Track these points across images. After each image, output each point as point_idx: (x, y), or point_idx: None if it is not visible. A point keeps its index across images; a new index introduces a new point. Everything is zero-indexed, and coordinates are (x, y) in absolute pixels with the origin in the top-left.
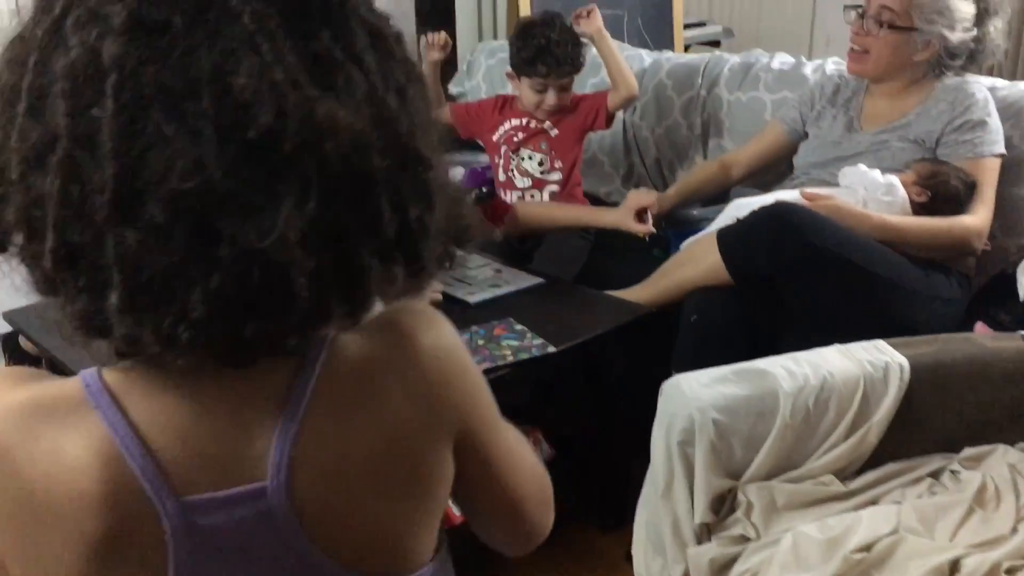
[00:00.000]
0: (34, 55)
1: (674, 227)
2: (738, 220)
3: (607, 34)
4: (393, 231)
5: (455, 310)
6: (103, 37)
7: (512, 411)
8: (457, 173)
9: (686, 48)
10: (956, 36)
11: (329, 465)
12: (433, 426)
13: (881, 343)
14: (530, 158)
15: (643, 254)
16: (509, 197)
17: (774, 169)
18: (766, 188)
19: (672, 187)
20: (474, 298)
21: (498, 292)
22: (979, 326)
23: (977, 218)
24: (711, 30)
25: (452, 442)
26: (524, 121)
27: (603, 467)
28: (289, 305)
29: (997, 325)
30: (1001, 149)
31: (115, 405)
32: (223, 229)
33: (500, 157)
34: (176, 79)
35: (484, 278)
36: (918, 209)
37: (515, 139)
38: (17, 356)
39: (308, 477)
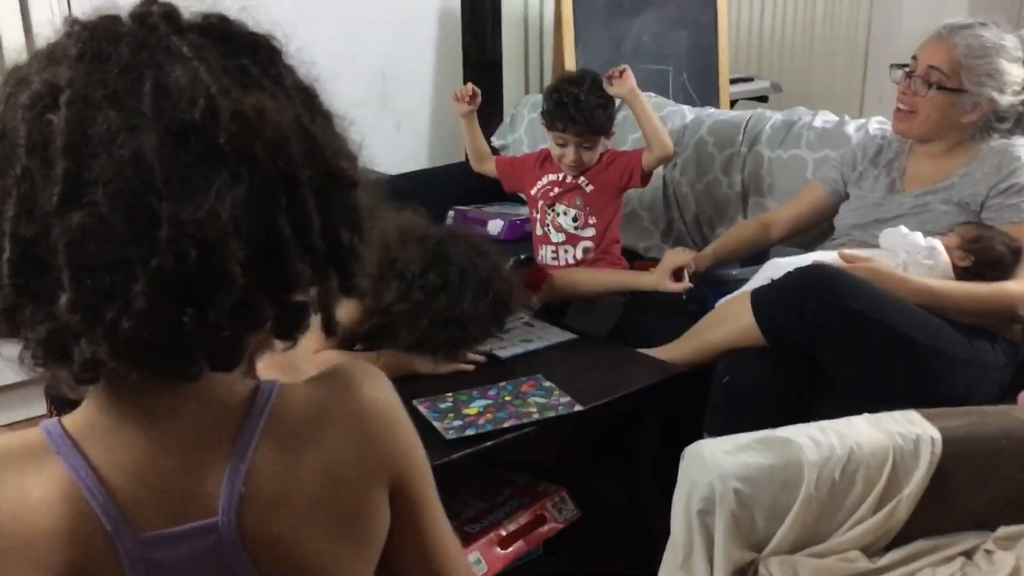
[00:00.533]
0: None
1: (711, 287)
2: (772, 280)
3: (640, 94)
4: (324, 247)
5: (485, 364)
6: (57, 66)
7: (539, 469)
8: (497, 225)
9: (733, 103)
10: (1006, 99)
11: (275, 502)
12: (371, 470)
13: (913, 414)
14: (564, 213)
15: (679, 311)
16: (544, 252)
17: (815, 230)
18: (806, 248)
19: (710, 246)
20: (505, 352)
21: (529, 347)
22: (1022, 397)
23: (1023, 284)
24: (759, 85)
25: (387, 488)
26: (560, 176)
27: (630, 530)
28: (224, 288)
29: None
30: None
31: (75, 449)
32: (162, 212)
33: (537, 211)
34: (120, 88)
35: (516, 332)
36: (961, 274)
37: (551, 193)
38: (58, 403)
39: (256, 513)
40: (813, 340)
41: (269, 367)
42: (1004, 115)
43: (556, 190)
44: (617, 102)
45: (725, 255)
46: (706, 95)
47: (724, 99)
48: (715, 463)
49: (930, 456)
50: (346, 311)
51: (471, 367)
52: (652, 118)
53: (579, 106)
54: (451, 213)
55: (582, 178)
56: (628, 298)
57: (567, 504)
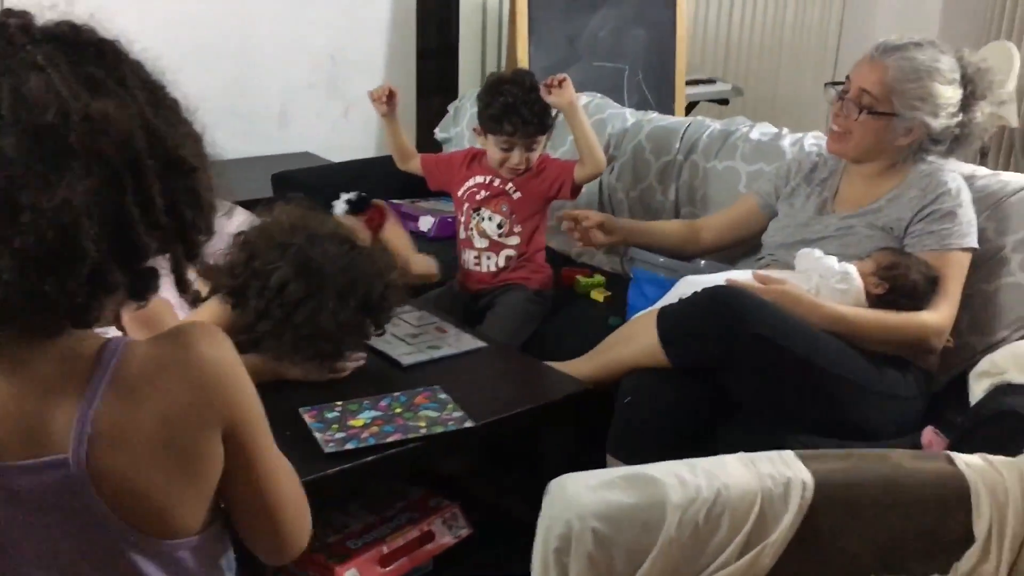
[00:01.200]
0: None
1: (634, 264)
2: (680, 300)
3: (579, 107)
4: (168, 224)
5: (387, 369)
6: None
7: (441, 482)
8: (427, 222)
9: (693, 106)
10: (940, 123)
11: (118, 442)
12: (205, 418)
13: (789, 455)
14: (490, 219)
15: (600, 323)
16: (467, 256)
17: (745, 244)
18: (734, 262)
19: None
20: (408, 359)
21: (435, 355)
22: (928, 431)
23: (937, 315)
24: (719, 88)
25: (220, 432)
26: (488, 179)
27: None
28: (79, 260)
29: (953, 428)
30: (971, 243)
31: None
32: (23, 201)
33: (463, 214)
34: None
35: (425, 337)
36: (875, 301)
37: (477, 197)
38: None
39: (101, 451)
40: (717, 363)
41: (133, 320)
42: (938, 138)
43: (483, 193)
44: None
45: (640, 235)
46: (662, 96)
47: (680, 101)
48: (575, 500)
49: (800, 500)
50: (211, 313)
51: (344, 373)
52: (588, 132)
53: (529, 107)
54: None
55: (510, 184)
56: (550, 308)
57: (459, 521)
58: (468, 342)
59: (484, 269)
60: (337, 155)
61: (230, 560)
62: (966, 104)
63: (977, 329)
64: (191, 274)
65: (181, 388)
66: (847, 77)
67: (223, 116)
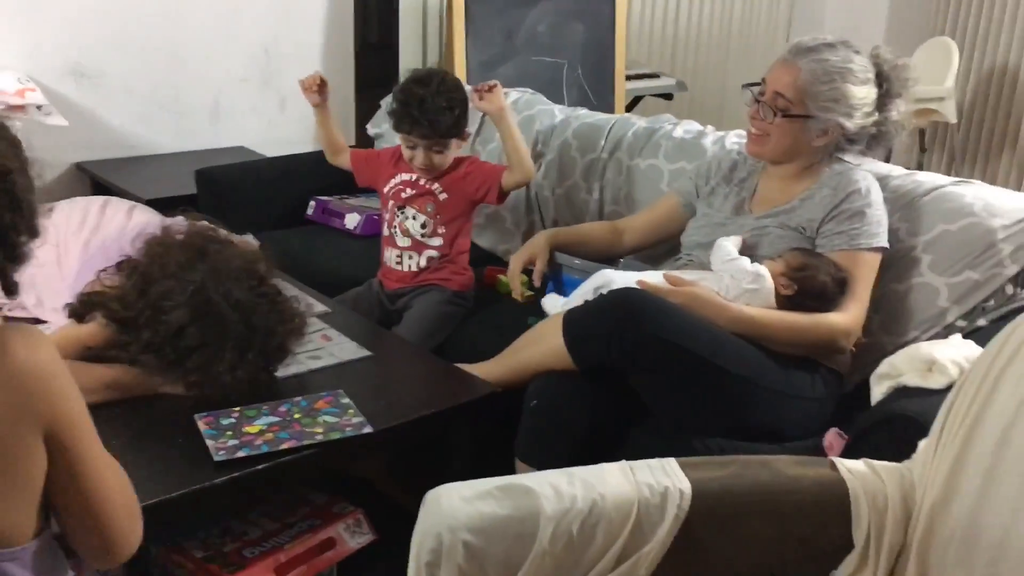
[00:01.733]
0: None
1: (552, 268)
2: (585, 303)
3: (509, 114)
4: None
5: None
6: None
7: (345, 487)
8: (354, 219)
9: (637, 100)
10: (855, 123)
11: None
12: (23, 420)
13: (671, 463)
14: (414, 218)
15: (520, 323)
16: (389, 254)
17: (667, 242)
18: (655, 262)
19: (558, 229)
20: (283, 371)
21: (312, 366)
22: (831, 433)
23: (846, 316)
24: (663, 83)
25: (40, 433)
26: (414, 177)
27: None
28: None
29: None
30: (881, 242)
31: None
32: None
33: (387, 211)
34: None
35: (308, 347)
36: (784, 302)
37: (402, 195)
38: None
39: None
40: (621, 366)
41: None
42: (854, 138)
43: (408, 191)
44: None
45: (568, 242)
46: (601, 91)
47: (620, 96)
48: (448, 511)
49: (676, 510)
50: (90, 333)
51: None
52: (517, 140)
53: (423, 108)
54: (312, 203)
55: (436, 184)
56: (470, 309)
57: (362, 527)
58: (353, 351)
59: (405, 268)
60: (273, 150)
61: None
62: (882, 103)
63: (888, 329)
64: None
65: None
66: (763, 79)
67: (153, 110)
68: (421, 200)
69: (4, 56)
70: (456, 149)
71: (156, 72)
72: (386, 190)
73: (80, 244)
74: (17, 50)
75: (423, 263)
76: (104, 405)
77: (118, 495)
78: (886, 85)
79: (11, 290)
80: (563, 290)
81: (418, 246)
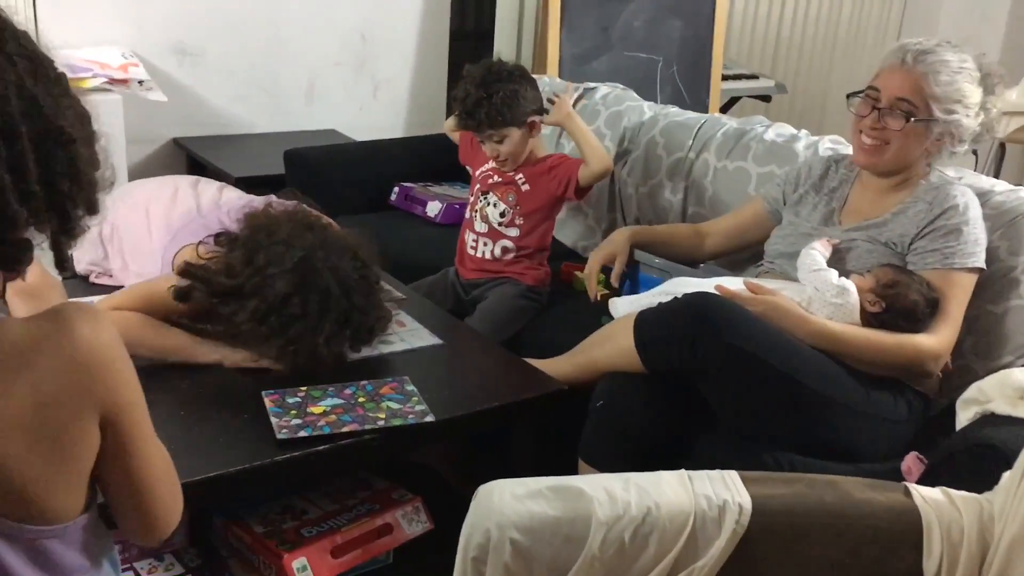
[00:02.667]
0: None
1: (630, 266)
2: (659, 304)
3: (575, 116)
4: (42, 193)
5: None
6: None
7: (405, 473)
8: (435, 207)
9: (733, 101)
10: (969, 123)
11: None
12: (81, 401)
13: (733, 476)
14: (494, 205)
15: (593, 322)
16: (467, 237)
17: (751, 249)
18: (738, 268)
19: (640, 227)
20: (352, 354)
21: (384, 350)
22: (910, 457)
23: (935, 339)
24: (761, 84)
25: (97, 417)
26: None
27: None
28: None
29: None
30: (978, 263)
31: None
32: None
33: (473, 194)
34: None
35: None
36: (870, 320)
37: (489, 180)
38: None
39: None
40: (691, 372)
41: (19, 296)
42: (964, 139)
43: (495, 178)
44: (545, 90)
45: (649, 241)
46: (696, 90)
47: (715, 96)
48: (498, 508)
49: (734, 525)
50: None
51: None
52: (588, 137)
53: (466, 101)
54: (396, 189)
55: (520, 174)
56: (544, 304)
57: (420, 515)
58: (425, 338)
59: (479, 255)
60: (363, 134)
61: (115, 560)
62: (983, 103)
63: (980, 352)
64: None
65: (57, 369)
66: (873, 87)
67: (250, 90)
68: (504, 188)
69: (110, 31)
70: (522, 138)
71: (255, 53)
72: (477, 173)
73: (171, 214)
74: (123, 26)
75: (497, 252)
76: (176, 377)
77: (164, 479)
78: (987, 80)
79: (64, 264)
80: (639, 290)
81: (494, 234)
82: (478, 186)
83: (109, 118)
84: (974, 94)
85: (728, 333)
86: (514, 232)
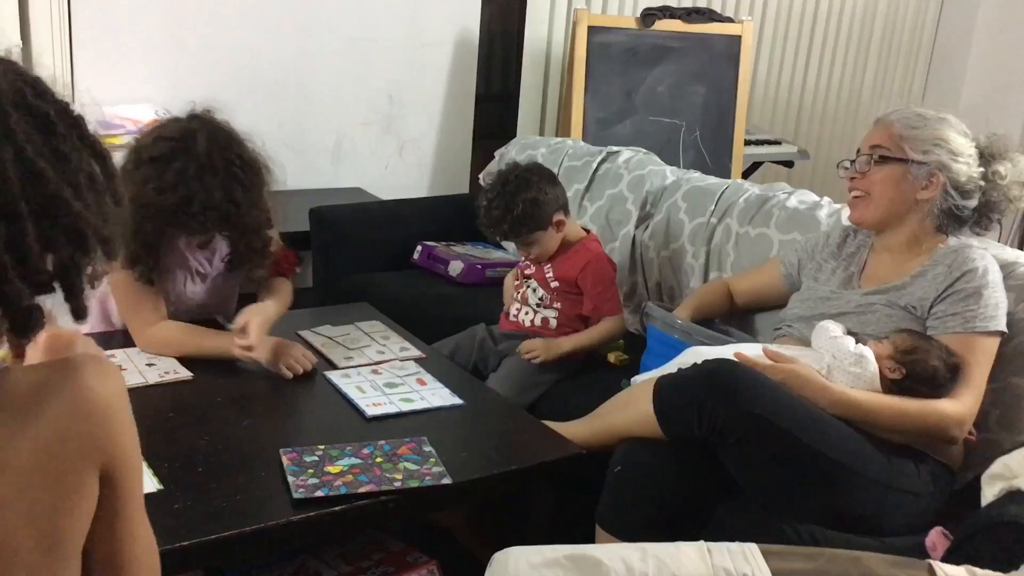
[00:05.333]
0: None
1: (650, 322)
2: (679, 370)
3: (565, 344)
4: (48, 266)
5: (355, 419)
6: None
7: (420, 534)
8: (456, 267)
9: (756, 166)
10: (960, 167)
11: None
12: (84, 450)
13: (753, 549)
14: (534, 291)
15: (613, 386)
16: (511, 308)
17: (769, 308)
18: (754, 331)
19: (686, 303)
20: (375, 410)
21: (404, 408)
22: (935, 532)
23: (958, 404)
24: (785, 150)
25: (98, 470)
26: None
27: None
28: None
29: None
30: (999, 326)
31: None
32: None
33: (517, 278)
34: None
35: (402, 389)
36: (890, 386)
37: (527, 270)
38: None
39: None
40: (711, 439)
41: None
42: (965, 188)
43: (531, 268)
44: (568, 153)
45: (702, 314)
46: (719, 155)
47: (738, 161)
48: None
49: None
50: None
51: (291, 373)
52: (592, 343)
53: (488, 216)
54: (419, 247)
55: (549, 272)
56: (565, 370)
57: None
58: (446, 398)
59: (521, 322)
60: (388, 193)
61: None
62: (985, 162)
63: (1007, 425)
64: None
65: (64, 416)
66: (857, 151)
67: (279, 148)
68: (540, 281)
69: (144, 88)
70: (550, 237)
71: (284, 111)
72: (521, 261)
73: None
74: (156, 83)
75: (538, 322)
76: (194, 434)
77: (146, 556)
78: (983, 147)
79: (81, 315)
80: (657, 349)
81: (535, 311)
82: (520, 270)
83: None
84: (959, 141)
85: (747, 401)
86: (553, 313)
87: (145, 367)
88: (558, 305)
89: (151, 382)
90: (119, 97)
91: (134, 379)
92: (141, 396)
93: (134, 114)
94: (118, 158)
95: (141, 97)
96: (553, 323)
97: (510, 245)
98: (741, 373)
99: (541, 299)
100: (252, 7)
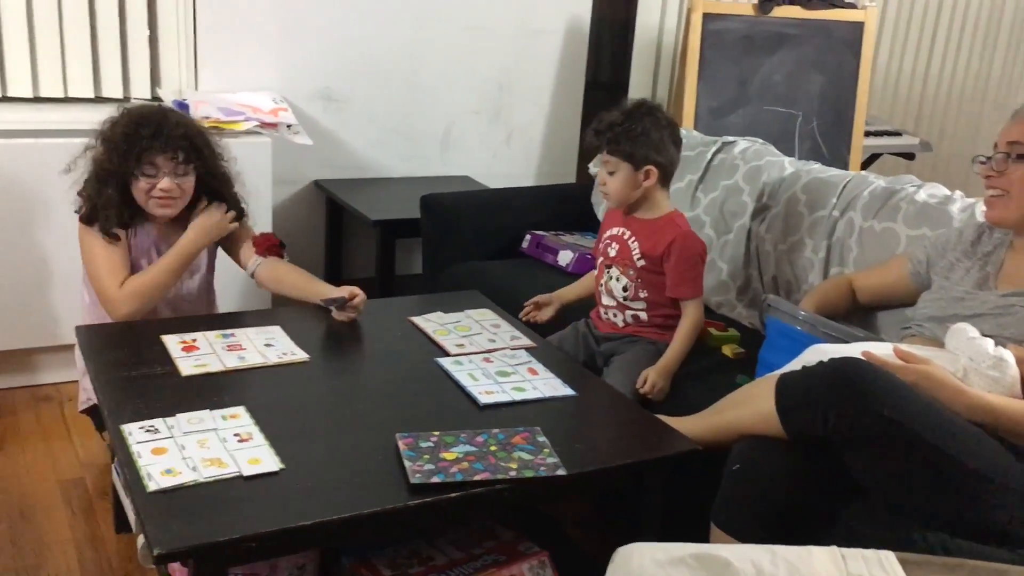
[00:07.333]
0: None
1: (771, 313)
2: (803, 367)
3: (671, 362)
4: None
5: (467, 406)
6: None
7: (538, 523)
8: (567, 256)
9: (873, 159)
10: None
11: None
12: None
13: (890, 557)
14: (617, 280)
15: (727, 380)
16: (601, 311)
17: (895, 307)
18: (880, 328)
19: (808, 298)
20: (488, 398)
21: (516, 396)
22: None
23: None
24: (906, 141)
25: None
26: (619, 231)
27: None
28: None
29: None
30: None
31: None
32: None
33: (597, 267)
34: None
35: (515, 378)
36: None
37: (609, 252)
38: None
39: None
40: (837, 440)
41: None
42: None
43: (613, 248)
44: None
45: (821, 309)
46: (836, 146)
47: (856, 153)
48: (638, 573)
49: None
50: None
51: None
52: (690, 340)
53: (610, 124)
54: (528, 236)
55: (635, 243)
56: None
57: (546, 570)
58: (558, 388)
59: (612, 321)
60: (495, 181)
61: None
62: None
63: None
64: None
65: None
66: (994, 145)
67: (389, 135)
68: (623, 263)
69: (264, 77)
70: (630, 180)
71: (395, 100)
72: (600, 245)
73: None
74: (275, 72)
75: (628, 320)
76: (312, 413)
77: None
78: None
79: None
80: (777, 341)
81: (622, 307)
82: (601, 259)
83: (259, 159)
84: None
85: (878, 402)
86: (640, 305)
87: (264, 347)
88: (644, 294)
89: (271, 362)
90: (239, 85)
91: (254, 359)
92: (263, 375)
93: (253, 101)
94: (239, 143)
95: (260, 85)
96: (644, 317)
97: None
98: (872, 373)
99: (625, 288)
100: None
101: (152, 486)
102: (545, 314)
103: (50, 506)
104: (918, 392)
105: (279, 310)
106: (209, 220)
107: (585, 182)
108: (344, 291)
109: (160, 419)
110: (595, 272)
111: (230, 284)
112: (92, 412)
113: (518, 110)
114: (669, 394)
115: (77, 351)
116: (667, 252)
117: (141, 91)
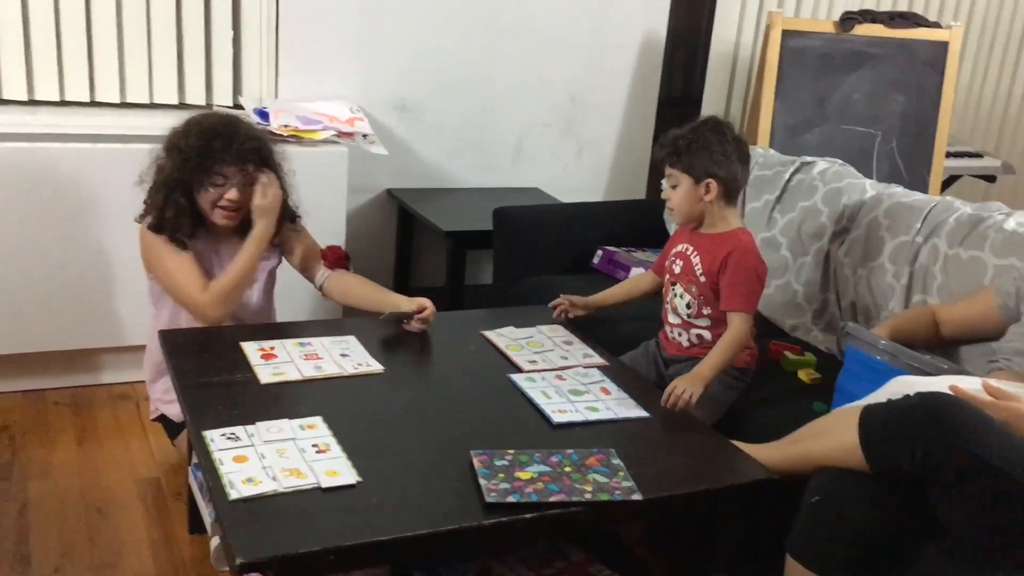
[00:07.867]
0: None
1: (850, 341)
2: (889, 400)
3: (704, 370)
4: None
5: (540, 424)
6: None
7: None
8: (637, 273)
9: (952, 179)
10: None
11: None
12: None
13: None
14: (680, 297)
15: (803, 406)
16: (667, 328)
17: (982, 339)
18: (963, 359)
19: (884, 328)
20: (561, 417)
21: (590, 416)
22: None
23: None
24: (987, 163)
25: None
26: (684, 247)
27: None
28: None
29: None
30: None
31: None
32: None
33: (665, 284)
34: None
35: (588, 397)
36: None
37: (674, 269)
38: (170, 427)
39: None
40: (922, 476)
41: None
42: None
43: (677, 264)
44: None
45: (899, 338)
46: (916, 167)
47: (937, 174)
48: None
49: None
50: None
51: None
52: (730, 353)
53: (676, 136)
54: (599, 252)
55: (697, 259)
56: (749, 384)
57: None
58: (631, 409)
59: (678, 342)
60: (565, 195)
61: None
62: None
63: None
64: None
65: None
66: None
67: (463, 146)
68: (686, 280)
69: (341, 87)
70: (691, 194)
71: (468, 111)
72: (667, 263)
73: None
74: (353, 82)
75: (693, 340)
76: (387, 426)
77: None
78: None
79: None
80: (856, 370)
81: (686, 325)
82: (667, 276)
83: (335, 168)
84: None
85: (967, 439)
86: (704, 322)
87: (340, 357)
88: (707, 311)
89: (347, 373)
90: (317, 94)
91: (331, 369)
92: (338, 386)
93: (331, 110)
94: (316, 152)
95: (338, 94)
96: (708, 336)
97: None
98: (961, 409)
99: (689, 306)
100: (443, 9)
101: (234, 494)
102: (576, 312)
103: (127, 504)
104: (1009, 430)
105: (351, 320)
106: (265, 200)
107: (656, 198)
108: (414, 303)
109: (241, 427)
110: (633, 277)
111: (293, 296)
112: (163, 420)
113: (590, 124)
114: (740, 418)
115: (146, 359)
116: (724, 265)
117: (223, 98)
